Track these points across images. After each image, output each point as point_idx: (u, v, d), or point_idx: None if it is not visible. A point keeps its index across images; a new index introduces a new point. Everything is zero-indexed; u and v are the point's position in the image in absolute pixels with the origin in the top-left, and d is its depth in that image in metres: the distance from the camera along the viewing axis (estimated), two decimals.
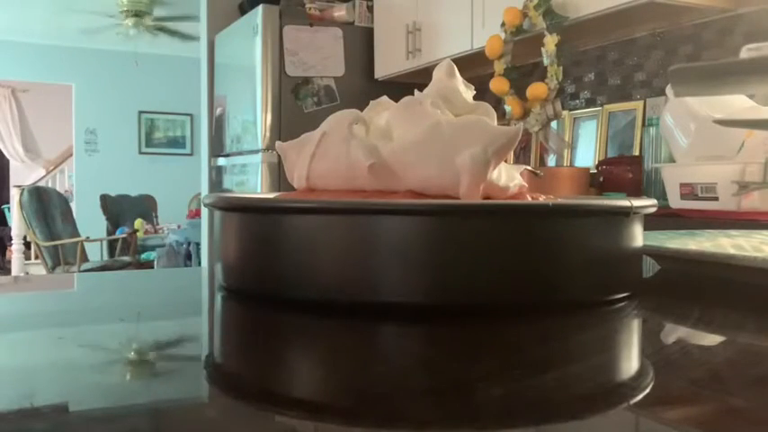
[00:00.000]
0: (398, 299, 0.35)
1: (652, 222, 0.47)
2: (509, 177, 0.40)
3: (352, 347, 0.32)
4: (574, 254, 0.37)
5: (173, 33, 5.98)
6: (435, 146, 0.37)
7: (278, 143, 0.46)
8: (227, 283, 0.42)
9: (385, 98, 0.43)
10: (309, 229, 0.36)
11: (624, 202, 0.39)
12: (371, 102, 0.43)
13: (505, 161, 0.42)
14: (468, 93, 0.42)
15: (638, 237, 0.41)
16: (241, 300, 0.41)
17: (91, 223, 6.06)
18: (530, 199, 0.41)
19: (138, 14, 5.55)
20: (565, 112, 2.62)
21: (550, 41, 2.16)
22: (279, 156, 0.51)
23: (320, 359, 0.31)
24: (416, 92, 0.42)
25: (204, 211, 3.95)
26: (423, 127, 0.37)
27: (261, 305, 0.39)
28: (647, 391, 0.25)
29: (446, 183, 0.37)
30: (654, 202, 0.42)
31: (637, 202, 0.39)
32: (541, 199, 0.42)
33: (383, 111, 0.41)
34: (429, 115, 0.38)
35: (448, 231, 0.35)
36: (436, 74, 0.42)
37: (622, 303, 0.39)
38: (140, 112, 7.20)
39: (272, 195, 0.44)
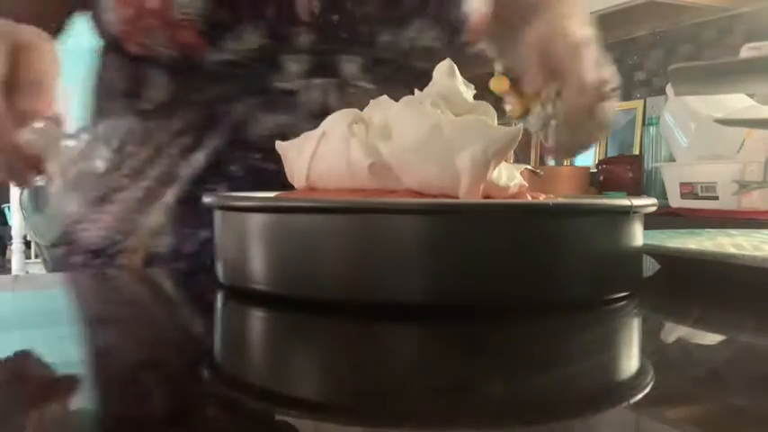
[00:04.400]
0: (398, 298, 0.35)
1: (652, 221, 0.47)
2: (509, 177, 0.40)
3: (352, 347, 0.33)
4: (574, 253, 0.37)
5: None
6: (435, 146, 0.37)
7: (278, 142, 0.45)
8: (226, 282, 0.42)
9: (385, 97, 0.43)
10: (309, 228, 0.36)
11: (624, 202, 0.39)
12: (371, 101, 0.43)
13: (506, 160, 0.42)
14: (468, 92, 0.42)
15: (639, 236, 0.41)
16: (240, 299, 0.41)
17: None
18: (530, 198, 0.41)
19: None
20: None
21: None
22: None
23: (320, 358, 0.31)
24: (416, 91, 0.42)
25: None
26: (423, 127, 0.37)
27: (260, 304, 0.39)
28: (647, 390, 0.25)
29: (446, 183, 0.37)
30: (654, 201, 0.42)
31: (637, 202, 0.39)
32: (541, 198, 0.42)
33: (383, 110, 0.41)
34: (429, 115, 0.38)
35: (447, 230, 0.35)
36: (436, 73, 0.42)
37: (623, 303, 0.39)
38: None
39: (271, 194, 0.44)
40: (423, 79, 0.68)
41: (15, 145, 0.46)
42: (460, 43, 0.68)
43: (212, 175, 0.64)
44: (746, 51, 1.53)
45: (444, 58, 0.67)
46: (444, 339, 0.33)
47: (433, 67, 0.52)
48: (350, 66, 0.65)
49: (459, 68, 0.45)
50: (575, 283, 0.37)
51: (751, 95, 1.66)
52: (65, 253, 0.69)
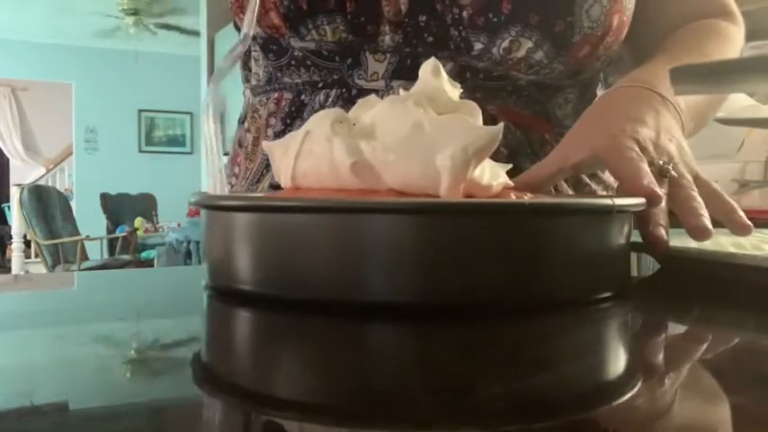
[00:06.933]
0: (383, 298, 0.35)
1: None
2: (493, 176, 0.40)
3: (338, 347, 0.32)
4: (555, 253, 0.36)
5: (172, 31, 5.98)
6: (416, 145, 0.36)
7: (265, 143, 0.45)
8: (212, 282, 0.42)
9: (373, 96, 0.43)
10: (292, 227, 0.36)
11: (606, 201, 0.38)
12: (359, 100, 0.43)
13: (496, 160, 0.41)
14: (453, 91, 0.41)
15: (624, 235, 0.40)
16: (226, 299, 0.40)
17: (91, 222, 6.06)
18: (513, 197, 0.40)
19: (137, 13, 5.56)
20: None
21: None
22: None
23: (307, 359, 0.30)
24: (402, 91, 0.42)
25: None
26: (404, 126, 0.37)
27: (246, 305, 0.39)
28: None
29: (427, 182, 0.36)
30: (640, 200, 0.41)
31: (619, 201, 0.39)
32: (526, 198, 0.41)
33: (370, 109, 0.41)
34: (411, 114, 0.37)
35: (428, 230, 0.34)
36: (422, 73, 0.42)
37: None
38: (140, 111, 7.20)
39: (258, 194, 0.44)
40: (522, 93, 0.64)
41: None
42: (579, 56, 0.62)
43: None
44: (747, 50, 1.53)
45: (554, 74, 0.63)
46: (429, 340, 0.33)
47: (539, 81, 0.47)
48: None
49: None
50: (556, 283, 0.37)
51: (751, 94, 1.66)
52: None
